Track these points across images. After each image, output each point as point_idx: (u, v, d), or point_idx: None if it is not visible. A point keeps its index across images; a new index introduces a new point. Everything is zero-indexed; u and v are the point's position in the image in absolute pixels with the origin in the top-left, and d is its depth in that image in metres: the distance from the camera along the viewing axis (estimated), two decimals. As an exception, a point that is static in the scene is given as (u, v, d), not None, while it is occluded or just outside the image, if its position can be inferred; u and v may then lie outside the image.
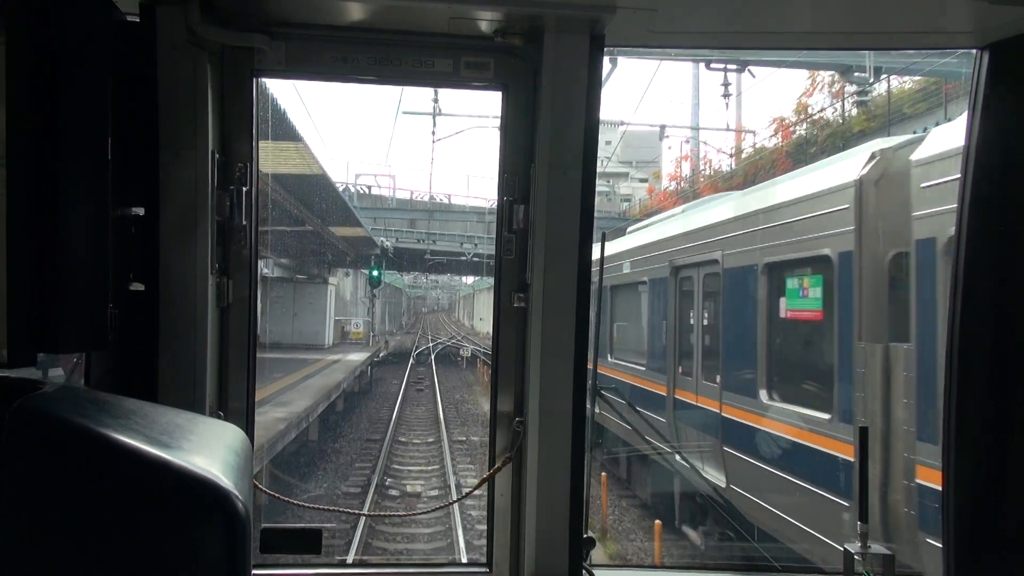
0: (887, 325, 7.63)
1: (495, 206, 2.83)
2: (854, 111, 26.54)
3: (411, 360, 39.69)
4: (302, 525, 2.94)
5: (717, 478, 10.65)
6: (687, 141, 39.25)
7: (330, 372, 25.55)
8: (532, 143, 2.68)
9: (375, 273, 38.24)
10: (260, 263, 2.78)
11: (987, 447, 2.68)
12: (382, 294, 58.38)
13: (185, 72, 2.42)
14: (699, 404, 11.66)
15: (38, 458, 1.27)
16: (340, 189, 32.17)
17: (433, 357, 41.80)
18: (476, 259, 38.04)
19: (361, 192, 40.68)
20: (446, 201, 42.02)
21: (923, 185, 7.07)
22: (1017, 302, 2.65)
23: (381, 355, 36.92)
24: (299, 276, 35.23)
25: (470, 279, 61.90)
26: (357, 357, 30.55)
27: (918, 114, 22.21)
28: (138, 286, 2.40)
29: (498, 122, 2.79)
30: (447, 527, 13.58)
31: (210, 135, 2.47)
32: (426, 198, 42.53)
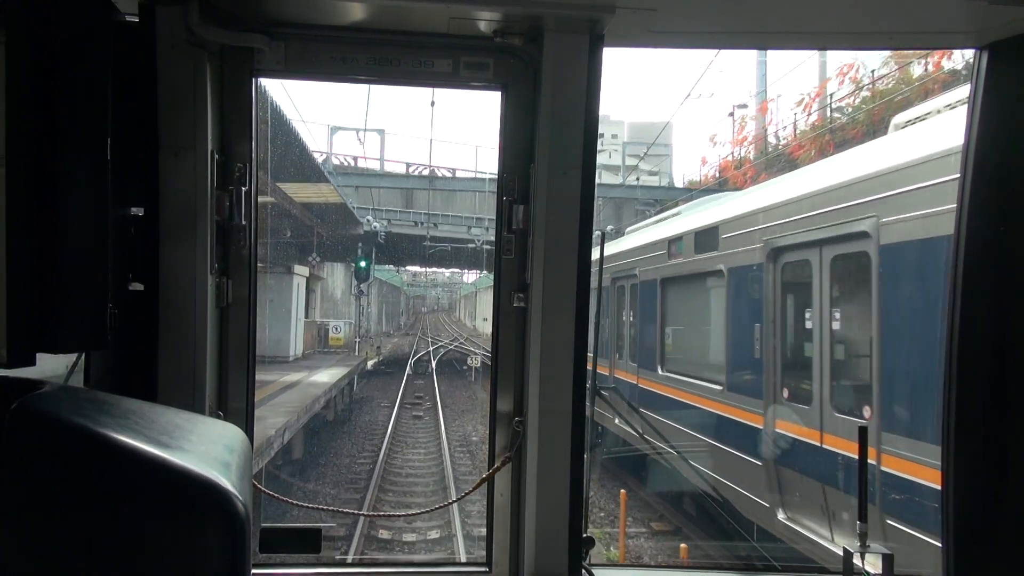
0: None
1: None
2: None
3: (407, 370, 31.66)
4: (301, 525, 2.95)
5: None
6: (742, 106, 33.68)
7: (271, 412, 14.61)
8: (532, 143, 2.69)
9: (363, 264, 31.20)
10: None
11: (987, 447, 2.68)
12: (378, 293, 51.39)
13: (184, 72, 2.42)
14: None
15: (38, 458, 1.28)
16: (319, 160, 25.11)
17: (434, 365, 34.00)
18: (488, 247, 29.30)
19: (344, 163, 31.40)
20: (449, 176, 32.40)
21: None
22: (1016, 301, 2.65)
23: (371, 364, 30.49)
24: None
25: (472, 276, 57.08)
26: (326, 377, 21.38)
27: None
28: (137, 286, 2.41)
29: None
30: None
31: (209, 135, 2.47)
32: (425, 172, 32.58)
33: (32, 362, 1.53)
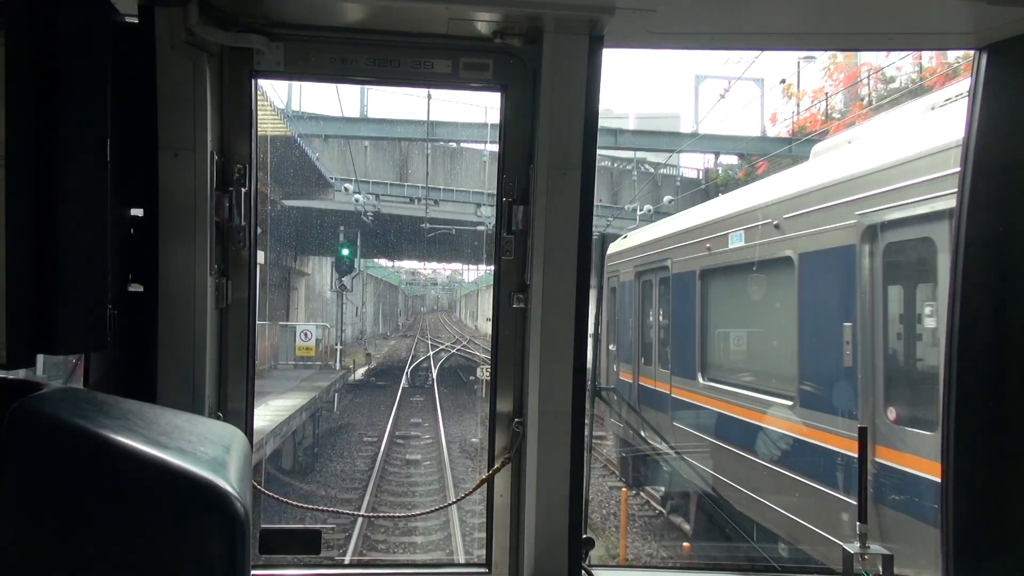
0: None
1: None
2: None
3: (403, 382, 25.34)
4: (301, 526, 2.94)
5: None
6: (808, 58, 27.32)
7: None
8: (531, 144, 2.69)
9: (345, 252, 25.33)
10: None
11: (987, 447, 2.68)
12: (374, 292, 47.49)
13: (184, 73, 2.42)
14: None
15: (37, 459, 1.28)
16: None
17: (435, 375, 27.81)
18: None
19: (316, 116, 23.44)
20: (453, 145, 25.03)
21: None
22: (1016, 301, 2.65)
23: (360, 374, 25.47)
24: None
25: (473, 275, 52.48)
26: (268, 418, 14.10)
27: None
28: (137, 287, 2.41)
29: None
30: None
31: (209, 136, 2.47)
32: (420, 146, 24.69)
33: (32, 363, 1.53)
